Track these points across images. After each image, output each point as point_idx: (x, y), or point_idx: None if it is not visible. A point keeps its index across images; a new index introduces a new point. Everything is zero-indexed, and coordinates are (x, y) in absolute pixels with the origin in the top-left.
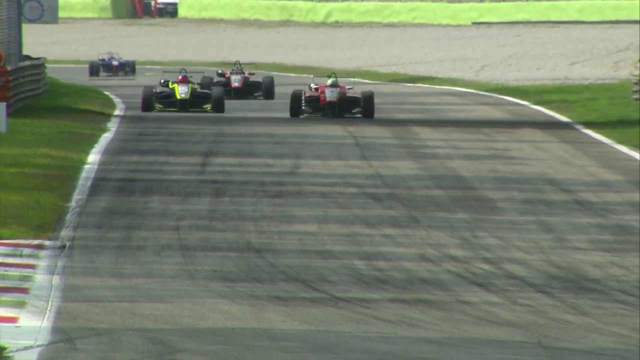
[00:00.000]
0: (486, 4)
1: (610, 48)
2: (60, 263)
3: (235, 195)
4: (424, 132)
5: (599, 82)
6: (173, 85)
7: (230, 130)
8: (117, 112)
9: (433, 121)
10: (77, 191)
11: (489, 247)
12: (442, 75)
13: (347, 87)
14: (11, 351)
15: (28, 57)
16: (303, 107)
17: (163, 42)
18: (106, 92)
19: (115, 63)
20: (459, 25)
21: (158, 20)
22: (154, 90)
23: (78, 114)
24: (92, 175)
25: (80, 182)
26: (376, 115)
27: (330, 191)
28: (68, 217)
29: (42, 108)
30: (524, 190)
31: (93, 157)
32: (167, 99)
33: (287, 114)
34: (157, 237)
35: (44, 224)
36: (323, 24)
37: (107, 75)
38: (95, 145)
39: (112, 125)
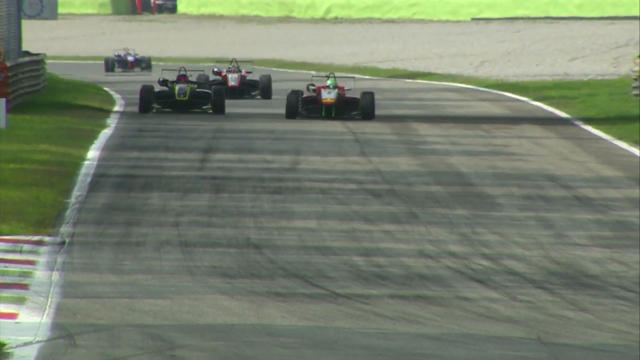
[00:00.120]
0: (486, 0)
1: (609, 44)
2: (59, 259)
3: (234, 191)
4: (423, 128)
5: (599, 78)
6: (172, 85)
7: (229, 126)
8: (116, 108)
9: (432, 117)
10: (76, 187)
11: (488, 243)
12: (441, 71)
13: (345, 87)
14: (11, 347)
15: (27, 53)
16: (300, 109)
17: (162, 38)
18: (106, 88)
19: (130, 59)
20: (458, 21)
21: (157, 16)
22: (152, 89)
23: (77, 110)
24: (92, 171)
25: (80, 178)
26: (375, 111)
27: (330, 187)
28: (68, 213)
29: (41, 104)
30: (524, 186)
31: (92, 153)
32: (166, 99)
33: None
34: (157, 233)
35: (44, 220)
36: (322, 20)
37: (123, 71)
38: (95, 142)
39: (112, 122)
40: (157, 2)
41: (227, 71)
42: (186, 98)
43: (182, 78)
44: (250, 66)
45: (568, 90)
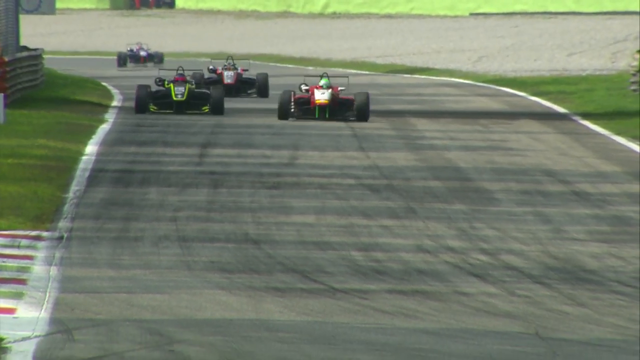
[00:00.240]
0: None
1: (607, 39)
2: (58, 254)
3: (233, 187)
4: (422, 124)
5: (597, 73)
6: (169, 85)
7: (228, 121)
8: (114, 103)
9: (430, 112)
10: (74, 182)
11: (486, 238)
12: (439, 66)
13: (339, 87)
14: (9, 342)
15: (25, 48)
16: (292, 110)
17: (161, 34)
18: (104, 83)
19: (143, 54)
20: (456, 17)
21: (156, 11)
22: (148, 90)
23: (76, 105)
24: (90, 166)
25: (78, 173)
26: (373, 106)
27: (328, 182)
28: (66, 208)
29: (39, 99)
30: (522, 181)
31: (91, 148)
32: (163, 100)
33: None
34: (155, 228)
35: (42, 215)
36: (320, 15)
37: (135, 66)
38: (93, 137)
39: (110, 117)
40: None
41: (222, 68)
42: (184, 99)
43: (179, 78)
44: (247, 63)
45: (566, 86)
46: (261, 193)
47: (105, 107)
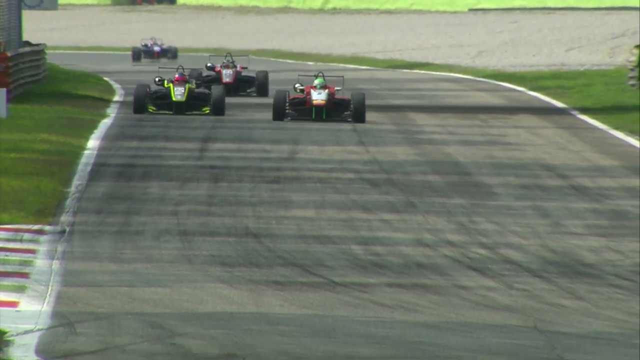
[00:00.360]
0: None
1: (606, 34)
2: (60, 248)
3: (233, 181)
4: (421, 118)
5: (595, 68)
6: (168, 85)
7: (228, 116)
8: (116, 97)
9: (430, 107)
10: (76, 176)
11: (485, 232)
12: (439, 61)
13: (335, 88)
14: (12, 335)
15: (28, 44)
16: (287, 110)
17: (162, 29)
18: (105, 78)
19: (156, 49)
20: (455, 12)
21: (157, 7)
22: (147, 89)
23: (78, 100)
24: (92, 160)
25: (80, 167)
26: (373, 101)
27: (328, 177)
28: (68, 202)
29: (42, 94)
30: (520, 175)
31: (92, 143)
32: (162, 100)
33: None
34: (156, 222)
35: (44, 209)
36: (321, 10)
37: (149, 61)
38: (95, 131)
39: (112, 111)
40: None
41: (221, 66)
42: (183, 100)
43: (180, 78)
44: (245, 59)
45: (564, 80)
46: (261, 187)
47: (107, 102)
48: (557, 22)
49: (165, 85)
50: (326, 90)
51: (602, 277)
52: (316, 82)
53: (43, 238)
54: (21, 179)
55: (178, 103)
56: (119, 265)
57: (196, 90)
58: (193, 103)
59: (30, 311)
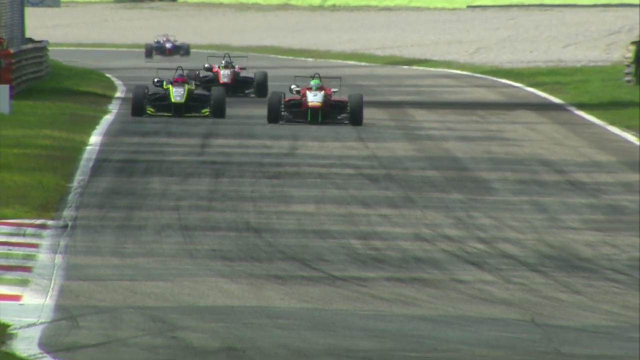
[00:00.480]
0: None
1: (602, 31)
2: (62, 242)
3: (234, 176)
4: (420, 114)
5: (592, 64)
6: (167, 86)
7: (229, 112)
8: (118, 94)
9: (428, 103)
10: (79, 172)
11: (483, 226)
12: (437, 58)
13: (332, 89)
14: (15, 328)
15: (30, 40)
16: (282, 113)
17: (164, 26)
18: (108, 75)
19: (168, 46)
20: (454, 9)
21: (158, 3)
22: (146, 91)
23: (80, 96)
24: (94, 156)
25: (82, 163)
26: (373, 97)
27: (328, 172)
28: (70, 197)
29: (44, 90)
30: (518, 170)
31: (95, 139)
32: (160, 102)
33: None
34: (158, 217)
35: (47, 204)
36: (320, 7)
37: (161, 58)
38: (97, 127)
39: (114, 107)
40: None
41: (219, 67)
42: (183, 101)
43: (179, 79)
44: (244, 58)
45: (561, 77)
46: (262, 182)
47: (108, 98)
48: (554, 18)
49: (164, 87)
50: (322, 92)
51: (598, 271)
52: (312, 83)
53: (46, 232)
54: (24, 174)
55: (177, 105)
56: (121, 260)
57: (196, 92)
58: (192, 105)
59: (33, 305)
